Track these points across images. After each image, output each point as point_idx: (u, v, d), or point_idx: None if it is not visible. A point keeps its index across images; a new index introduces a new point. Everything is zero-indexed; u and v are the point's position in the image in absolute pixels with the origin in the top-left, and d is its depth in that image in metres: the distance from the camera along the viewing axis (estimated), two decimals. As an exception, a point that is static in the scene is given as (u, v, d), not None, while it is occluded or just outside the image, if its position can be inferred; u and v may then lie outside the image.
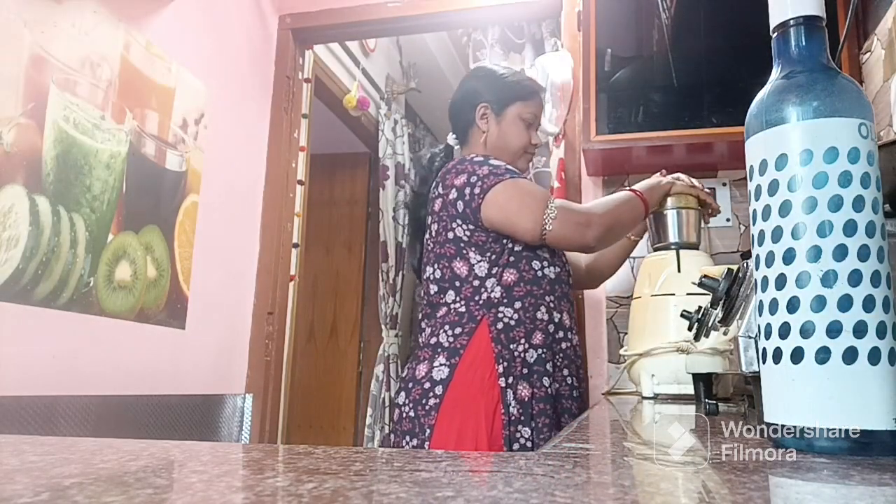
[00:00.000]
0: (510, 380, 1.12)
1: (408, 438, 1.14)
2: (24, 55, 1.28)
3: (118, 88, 1.52)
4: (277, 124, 2.15)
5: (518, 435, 1.10)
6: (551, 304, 1.20)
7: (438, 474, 0.33)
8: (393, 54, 3.19)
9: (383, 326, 3.00)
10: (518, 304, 1.17)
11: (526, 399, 1.12)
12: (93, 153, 1.44)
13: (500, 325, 1.15)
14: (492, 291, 1.17)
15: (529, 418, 1.11)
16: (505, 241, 1.19)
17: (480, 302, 1.17)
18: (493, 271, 1.18)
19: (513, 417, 1.10)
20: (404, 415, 1.16)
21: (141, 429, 1.53)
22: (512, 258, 1.19)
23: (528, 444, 1.10)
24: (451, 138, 1.39)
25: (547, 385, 1.15)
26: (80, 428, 1.35)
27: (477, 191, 1.16)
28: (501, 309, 1.16)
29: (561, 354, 1.20)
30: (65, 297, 1.36)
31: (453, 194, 1.20)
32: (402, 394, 1.18)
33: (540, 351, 1.16)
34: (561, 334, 1.21)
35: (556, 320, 1.20)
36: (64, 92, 1.37)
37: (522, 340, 1.15)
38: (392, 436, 1.21)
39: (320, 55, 2.45)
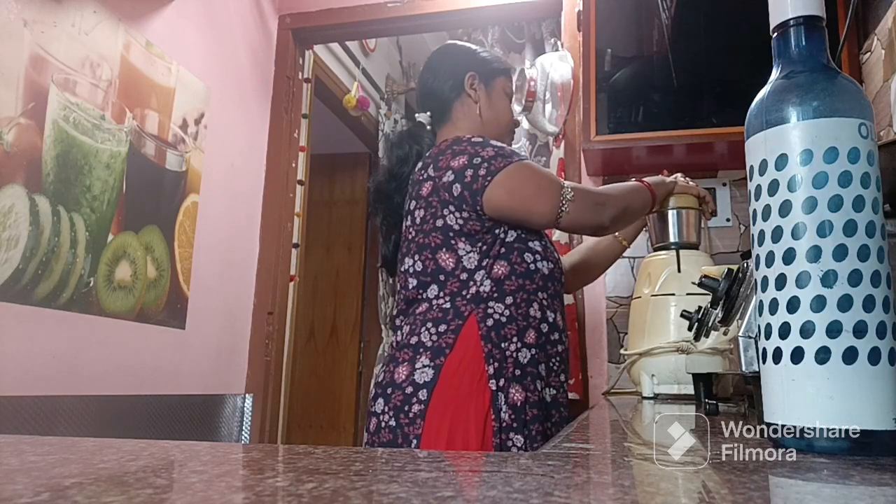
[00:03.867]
0: (501, 382, 1.01)
1: None
2: (24, 55, 1.28)
3: (118, 88, 1.52)
4: (277, 124, 2.15)
5: (510, 443, 1.00)
6: (544, 302, 1.10)
7: (438, 474, 0.33)
8: (393, 54, 3.19)
9: (383, 326, 3.00)
10: (509, 300, 1.06)
11: (518, 404, 1.01)
12: (93, 153, 1.44)
13: (489, 322, 1.04)
14: (481, 285, 1.06)
15: (522, 425, 1.00)
16: (497, 230, 1.09)
17: (468, 297, 1.06)
18: (484, 263, 1.07)
19: (504, 424, 0.99)
20: (383, 424, 1.02)
21: (141, 429, 1.53)
22: (503, 250, 1.08)
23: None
24: (422, 117, 1.26)
25: (540, 389, 1.05)
26: (80, 428, 1.35)
27: (482, 172, 1.05)
28: (491, 304, 1.05)
29: (557, 357, 1.11)
30: (65, 297, 1.36)
31: (449, 177, 1.08)
32: (381, 400, 1.04)
33: (533, 351, 1.06)
34: (556, 336, 1.11)
35: (550, 320, 1.10)
36: (64, 92, 1.37)
37: (514, 339, 1.05)
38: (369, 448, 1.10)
39: (320, 55, 2.45)
